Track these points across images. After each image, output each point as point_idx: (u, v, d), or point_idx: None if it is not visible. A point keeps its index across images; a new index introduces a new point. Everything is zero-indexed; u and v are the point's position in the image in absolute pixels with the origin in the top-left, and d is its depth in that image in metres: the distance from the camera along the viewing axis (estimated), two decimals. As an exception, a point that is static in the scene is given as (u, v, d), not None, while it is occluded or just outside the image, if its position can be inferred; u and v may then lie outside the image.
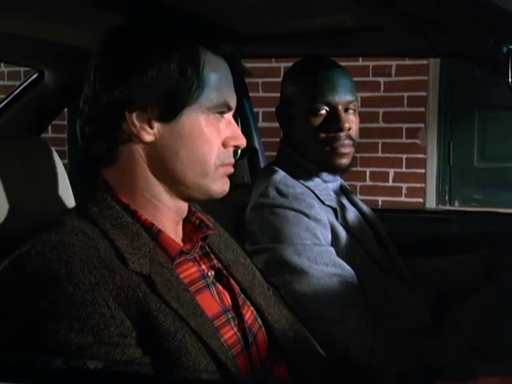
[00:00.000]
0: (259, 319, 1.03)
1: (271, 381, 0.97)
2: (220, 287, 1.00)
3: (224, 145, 0.96)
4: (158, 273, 0.87)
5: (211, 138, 0.93)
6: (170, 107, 0.91)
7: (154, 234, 0.93)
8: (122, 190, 0.94)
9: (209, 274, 0.99)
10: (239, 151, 1.01)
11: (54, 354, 0.76)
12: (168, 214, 0.96)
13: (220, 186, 0.97)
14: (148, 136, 0.91)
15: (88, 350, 0.76)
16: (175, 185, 0.94)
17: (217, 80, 0.94)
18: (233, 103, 0.97)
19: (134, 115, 0.90)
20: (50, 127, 3.31)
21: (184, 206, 0.99)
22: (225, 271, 1.03)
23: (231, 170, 0.99)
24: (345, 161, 1.43)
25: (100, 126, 0.92)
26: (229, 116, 0.98)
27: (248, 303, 1.03)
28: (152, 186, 0.94)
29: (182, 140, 0.92)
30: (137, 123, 0.90)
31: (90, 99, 0.92)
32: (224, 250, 1.08)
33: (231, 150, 0.97)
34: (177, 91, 0.90)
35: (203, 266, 1.00)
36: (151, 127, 0.91)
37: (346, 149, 1.42)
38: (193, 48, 0.92)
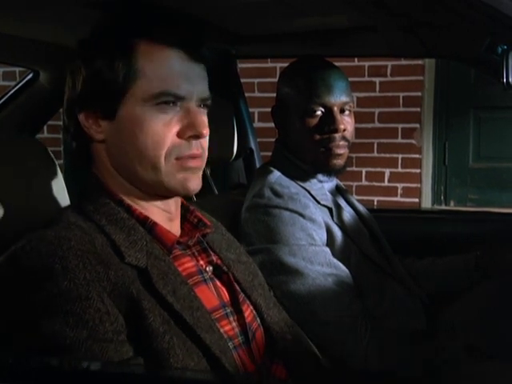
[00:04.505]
0: (258, 319, 1.03)
1: (268, 380, 0.97)
2: (218, 283, 0.99)
3: (180, 135, 0.91)
4: (154, 266, 0.88)
5: (156, 131, 0.89)
6: (106, 104, 0.90)
7: (150, 226, 0.93)
8: (111, 186, 0.95)
9: (207, 269, 0.99)
10: (205, 141, 0.94)
11: (49, 349, 0.76)
12: (151, 210, 0.95)
13: (179, 182, 0.92)
14: (98, 135, 0.92)
15: (82, 345, 0.77)
16: (136, 182, 0.93)
17: (156, 70, 0.90)
18: (184, 92, 0.91)
19: (82, 115, 0.92)
20: (45, 127, 3.31)
21: (167, 204, 0.97)
22: (225, 267, 1.03)
23: (195, 163, 0.93)
24: (339, 162, 1.43)
25: (68, 131, 0.96)
26: (188, 105, 0.92)
27: (247, 302, 1.03)
28: (121, 183, 0.94)
29: (125, 136, 0.91)
30: (85, 123, 0.92)
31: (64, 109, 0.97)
32: (225, 249, 1.08)
33: (192, 141, 0.92)
34: (106, 85, 0.90)
35: (201, 262, 0.99)
36: (99, 126, 0.92)
37: (341, 150, 1.42)
38: (122, 40, 0.91)
